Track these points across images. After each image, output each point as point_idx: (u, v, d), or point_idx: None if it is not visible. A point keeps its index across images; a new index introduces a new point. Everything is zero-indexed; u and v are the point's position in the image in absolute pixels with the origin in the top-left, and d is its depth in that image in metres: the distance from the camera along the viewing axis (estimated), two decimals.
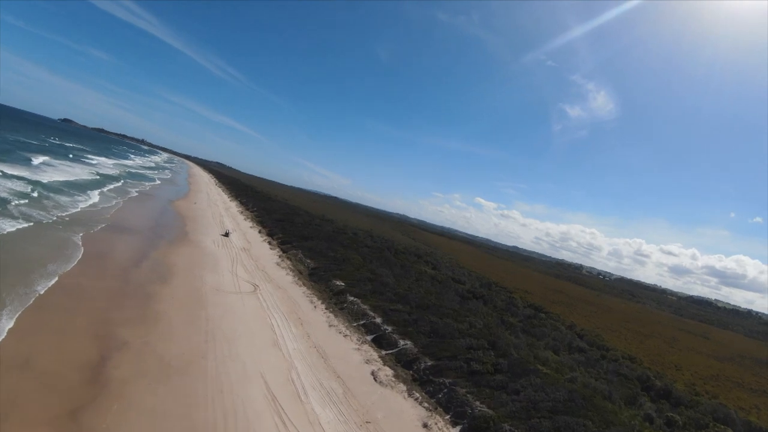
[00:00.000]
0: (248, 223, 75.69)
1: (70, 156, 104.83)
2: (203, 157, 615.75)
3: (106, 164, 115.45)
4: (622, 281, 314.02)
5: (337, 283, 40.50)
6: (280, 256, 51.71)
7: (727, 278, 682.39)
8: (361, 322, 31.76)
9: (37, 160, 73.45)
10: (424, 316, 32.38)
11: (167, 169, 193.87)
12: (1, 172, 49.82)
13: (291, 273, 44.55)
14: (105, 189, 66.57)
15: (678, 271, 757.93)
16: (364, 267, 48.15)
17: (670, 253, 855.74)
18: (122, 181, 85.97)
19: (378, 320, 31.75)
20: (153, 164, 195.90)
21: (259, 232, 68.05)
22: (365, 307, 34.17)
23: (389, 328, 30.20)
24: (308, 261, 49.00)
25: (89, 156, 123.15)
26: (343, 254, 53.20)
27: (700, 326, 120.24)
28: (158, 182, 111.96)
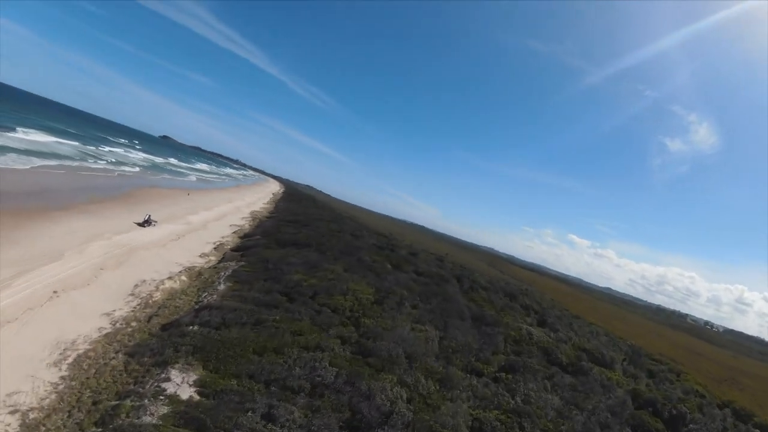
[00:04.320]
0: (241, 222, 48.03)
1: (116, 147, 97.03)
2: (295, 180, 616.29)
3: (151, 159, 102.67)
4: (732, 333, 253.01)
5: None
6: (186, 269, 22.48)
7: None
8: None
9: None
10: None
11: (233, 178, 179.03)
12: None
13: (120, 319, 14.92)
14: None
15: None
16: (359, 319, 17.04)
17: None
18: (140, 168, 71.87)
19: None
20: (224, 174, 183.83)
21: (234, 232, 39.91)
22: None
23: None
24: (226, 285, 19.18)
25: (142, 152, 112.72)
26: (329, 278, 22.52)
27: None
28: (192, 179, 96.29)
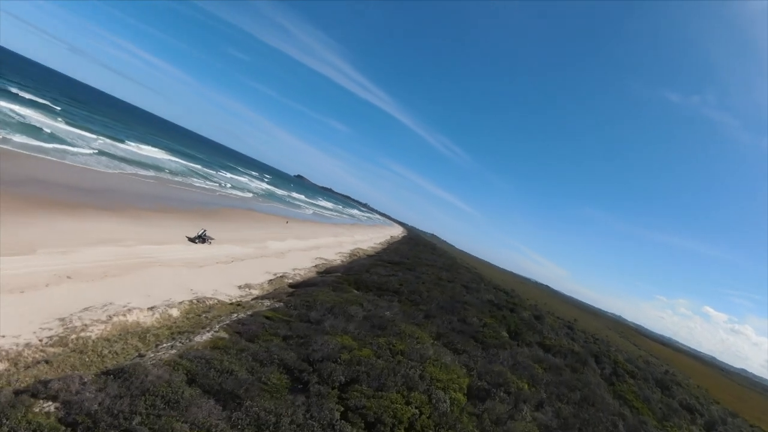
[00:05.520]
0: (333, 256, 41.68)
1: (223, 171, 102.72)
2: (419, 227, 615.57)
3: (271, 190, 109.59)
4: None
5: None
6: (195, 300, 15.58)
7: None
8: None
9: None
10: None
11: (354, 218, 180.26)
12: None
13: None
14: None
15: None
16: None
17: None
18: (253, 194, 73.00)
19: None
20: (346, 213, 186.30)
21: (315, 265, 33.38)
22: None
23: None
24: (214, 334, 11.55)
25: (267, 183, 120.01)
26: (396, 350, 13.75)
27: None
28: (308, 212, 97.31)
